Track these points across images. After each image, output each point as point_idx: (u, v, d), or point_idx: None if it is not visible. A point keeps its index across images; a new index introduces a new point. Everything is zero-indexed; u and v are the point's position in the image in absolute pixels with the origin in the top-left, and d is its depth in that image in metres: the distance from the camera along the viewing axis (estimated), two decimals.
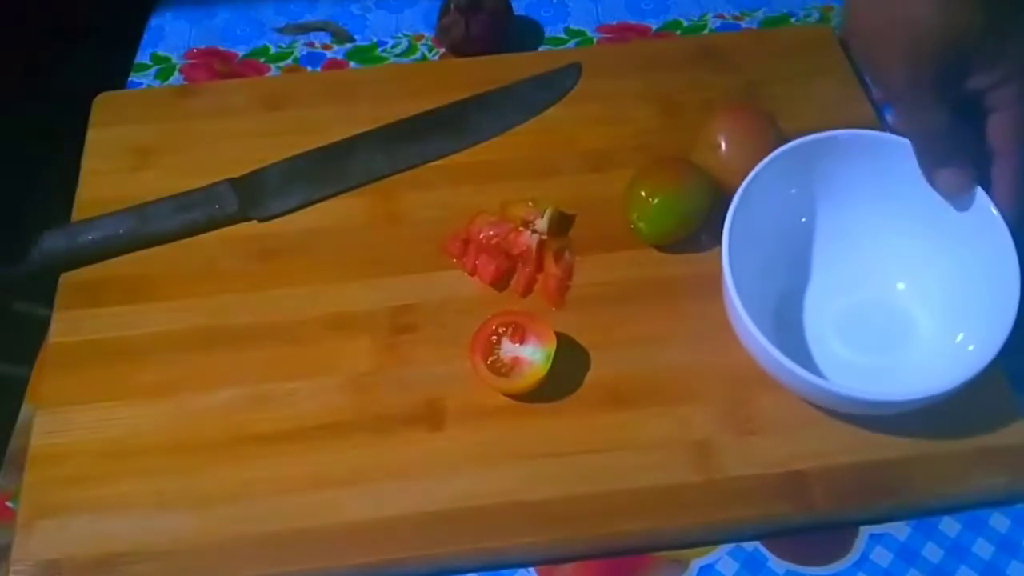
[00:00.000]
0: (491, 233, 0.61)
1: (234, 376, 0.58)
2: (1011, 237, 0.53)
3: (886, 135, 0.57)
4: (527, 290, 0.61)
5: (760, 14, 0.79)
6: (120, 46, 0.78)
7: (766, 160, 0.56)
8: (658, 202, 0.60)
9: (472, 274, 0.61)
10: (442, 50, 0.76)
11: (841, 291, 0.60)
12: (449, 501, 0.53)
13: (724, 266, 0.53)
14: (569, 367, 0.57)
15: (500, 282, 0.61)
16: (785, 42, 0.74)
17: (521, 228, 0.61)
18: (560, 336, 0.57)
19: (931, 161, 0.54)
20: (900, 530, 0.54)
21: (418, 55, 0.77)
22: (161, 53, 0.77)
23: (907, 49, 0.50)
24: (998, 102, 0.52)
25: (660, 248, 0.62)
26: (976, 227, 0.55)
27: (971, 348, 0.53)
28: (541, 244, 0.61)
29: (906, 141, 0.57)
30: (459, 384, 0.57)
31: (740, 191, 0.55)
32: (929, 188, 0.56)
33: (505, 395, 0.56)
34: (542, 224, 0.61)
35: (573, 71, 0.71)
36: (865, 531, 0.54)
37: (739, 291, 0.52)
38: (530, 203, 0.62)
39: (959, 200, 0.55)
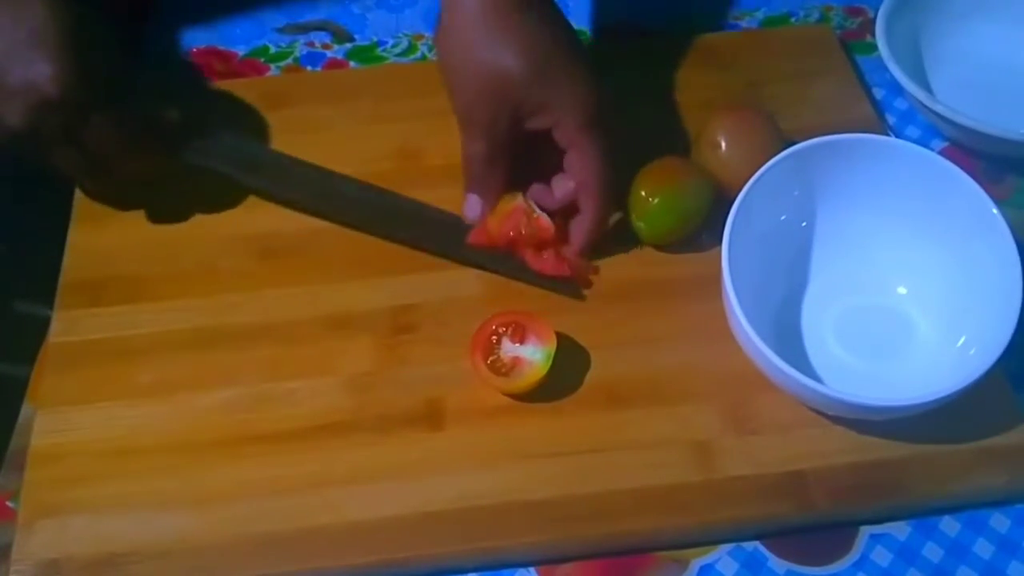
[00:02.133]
0: (519, 228, 0.61)
1: (234, 376, 0.58)
2: (1013, 240, 0.53)
3: (888, 139, 0.58)
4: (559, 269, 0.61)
5: (760, 14, 0.79)
6: (119, 46, 0.78)
7: (768, 164, 0.56)
8: (658, 202, 0.60)
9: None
10: None
11: (841, 295, 0.60)
12: (449, 501, 0.53)
13: (724, 271, 0.53)
14: (569, 367, 0.57)
15: (563, 267, 0.61)
16: (785, 42, 0.74)
17: (536, 214, 0.61)
18: (560, 336, 0.57)
19: (465, 184, 0.61)
20: (900, 530, 0.54)
21: (418, 55, 0.77)
22: (161, 52, 0.77)
23: (466, 87, 0.58)
24: (564, 143, 0.58)
25: (660, 248, 0.62)
26: (977, 230, 0.55)
27: (972, 352, 0.53)
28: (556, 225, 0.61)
29: (907, 144, 0.57)
30: (459, 384, 0.57)
31: (742, 195, 0.55)
32: (930, 192, 0.56)
33: (505, 395, 0.56)
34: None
35: None
36: (865, 531, 0.54)
37: (739, 295, 0.52)
38: (515, 195, 0.61)
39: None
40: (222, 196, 0.65)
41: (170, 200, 0.65)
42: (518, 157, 0.60)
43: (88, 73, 0.56)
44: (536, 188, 0.61)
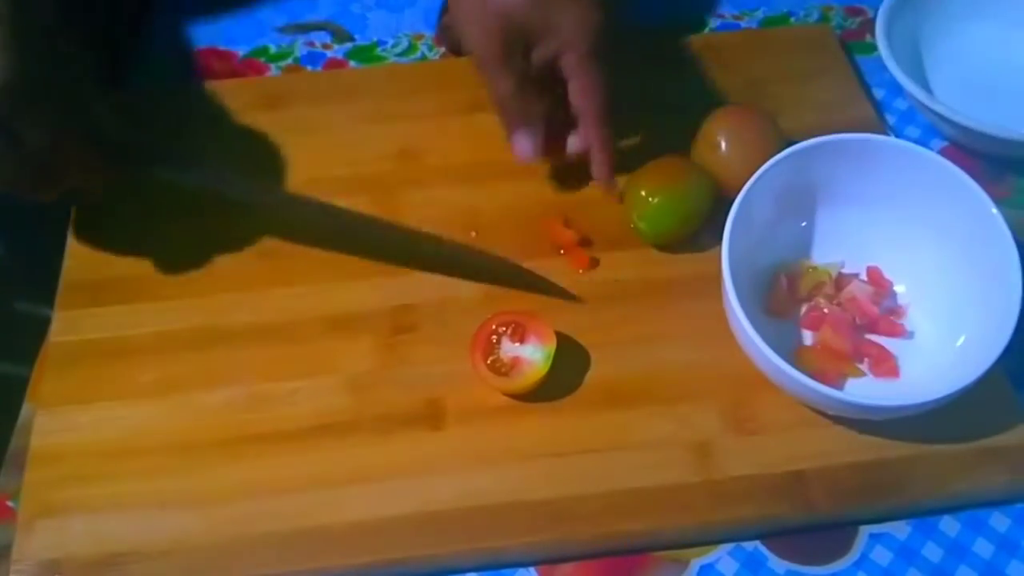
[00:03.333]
0: None
1: (234, 376, 0.58)
2: (1013, 240, 0.53)
3: (888, 139, 0.58)
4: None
5: (760, 14, 0.79)
6: (120, 45, 0.78)
7: (768, 164, 0.56)
8: (658, 202, 0.60)
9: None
10: (442, 50, 0.76)
11: None
12: (449, 501, 0.53)
13: (724, 271, 0.53)
14: (569, 367, 0.57)
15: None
16: (785, 42, 0.74)
17: None
18: (560, 336, 0.57)
19: (504, 125, 0.60)
20: (900, 530, 0.54)
21: (418, 55, 0.77)
22: (161, 52, 0.77)
23: (477, 26, 0.58)
24: (567, 71, 0.58)
25: (660, 248, 0.62)
26: (977, 231, 0.55)
27: (972, 352, 0.53)
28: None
29: (907, 144, 0.57)
30: (459, 384, 0.57)
31: (742, 195, 0.55)
32: (930, 191, 0.56)
33: (505, 395, 0.56)
34: None
35: None
36: (865, 531, 0.54)
37: (739, 295, 0.52)
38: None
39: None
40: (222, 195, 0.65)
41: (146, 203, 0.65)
42: (544, 93, 0.60)
43: (34, 61, 0.52)
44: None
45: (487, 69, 0.59)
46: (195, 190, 0.61)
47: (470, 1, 0.58)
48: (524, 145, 0.60)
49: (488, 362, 0.56)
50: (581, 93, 0.59)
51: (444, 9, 0.74)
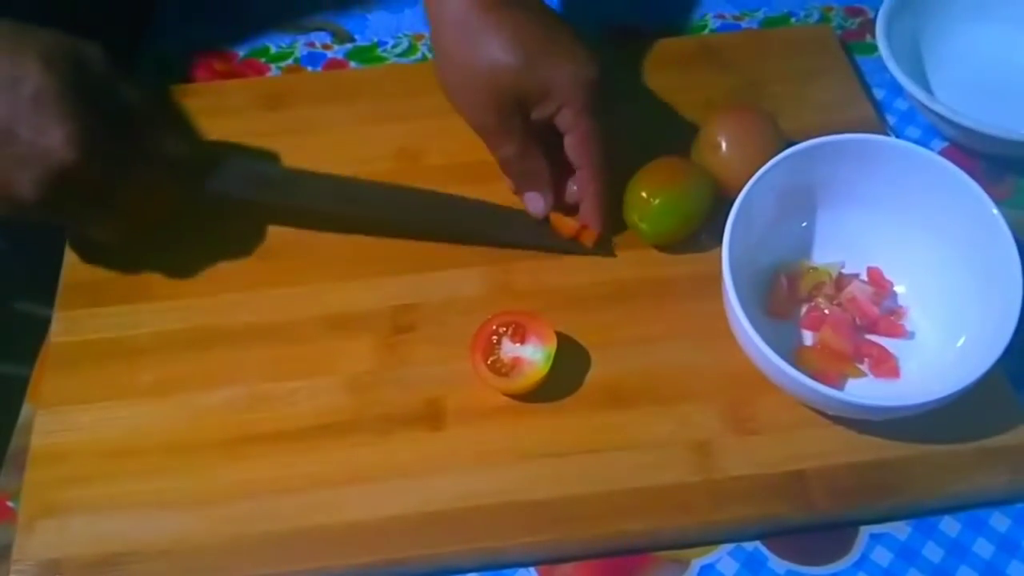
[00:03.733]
0: None
1: (234, 376, 0.58)
2: (1013, 240, 0.53)
3: (888, 139, 0.58)
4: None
5: (760, 14, 0.79)
6: (120, 45, 0.78)
7: (768, 164, 0.56)
8: (659, 202, 0.60)
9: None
10: None
11: None
12: (449, 501, 0.53)
13: (724, 271, 0.53)
14: (569, 367, 0.57)
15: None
16: (785, 42, 0.74)
17: None
18: (560, 336, 0.57)
19: (514, 186, 0.62)
20: (900, 530, 0.54)
21: (418, 55, 0.77)
22: (161, 52, 0.77)
23: (469, 101, 0.59)
24: (564, 126, 0.58)
25: (660, 248, 0.62)
26: (977, 230, 0.55)
27: (972, 352, 0.53)
28: None
29: (907, 144, 0.57)
30: (459, 384, 0.57)
31: (742, 195, 0.55)
32: (930, 192, 0.56)
33: (505, 395, 0.56)
34: None
35: None
36: (865, 531, 0.54)
37: (739, 295, 0.52)
38: None
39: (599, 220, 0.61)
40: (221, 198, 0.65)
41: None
42: (548, 148, 0.60)
43: (101, 125, 0.54)
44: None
45: (487, 139, 0.60)
46: (244, 201, 0.62)
47: (457, 78, 0.58)
48: (536, 204, 0.61)
49: (488, 362, 0.56)
50: (578, 147, 0.59)
51: None
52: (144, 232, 0.60)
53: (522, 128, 0.58)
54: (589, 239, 0.62)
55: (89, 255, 0.63)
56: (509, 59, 0.56)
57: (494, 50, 0.56)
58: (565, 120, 0.58)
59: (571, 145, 0.59)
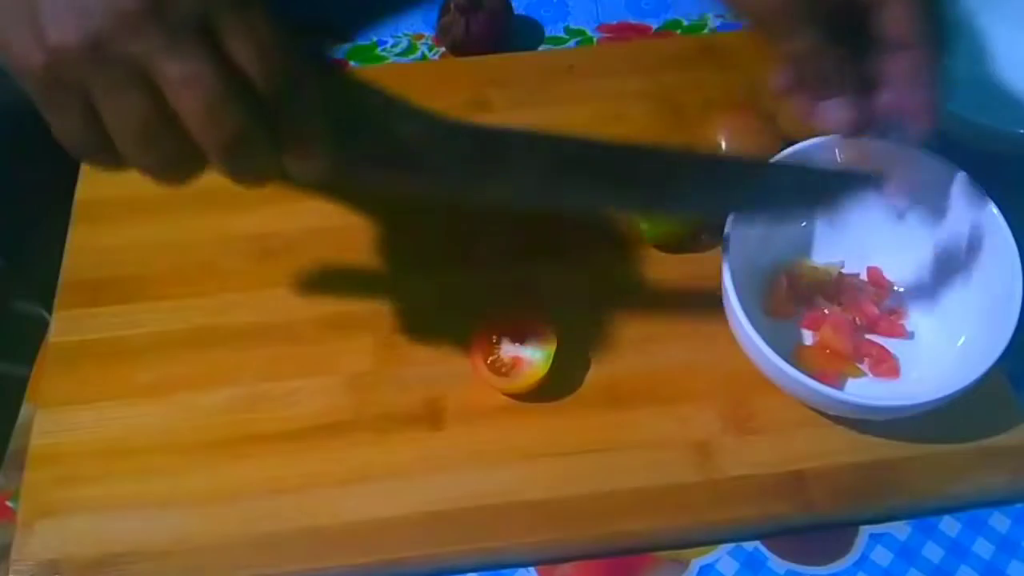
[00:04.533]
0: None
1: (234, 376, 0.58)
2: (1013, 240, 0.53)
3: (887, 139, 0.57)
4: None
5: None
6: None
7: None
8: None
9: None
10: (442, 50, 0.76)
11: None
12: (449, 501, 0.53)
13: (724, 271, 0.53)
14: (569, 367, 0.57)
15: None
16: None
17: None
18: (560, 336, 0.57)
19: (812, 93, 0.48)
20: (900, 530, 0.54)
21: (418, 55, 0.77)
22: None
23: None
24: None
25: (660, 248, 0.62)
26: (977, 230, 0.55)
27: (972, 352, 0.53)
28: None
29: (906, 145, 0.57)
30: (459, 384, 0.57)
31: None
32: (929, 191, 0.56)
33: (505, 395, 0.56)
34: None
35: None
36: (865, 531, 0.54)
37: (739, 295, 0.52)
38: None
39: (858, 151, 0.49)
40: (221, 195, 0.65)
41: None
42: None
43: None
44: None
45: (773, 26, 0.46)
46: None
47: None
48: (842, 115, 0.47)
49: (488, 362, 0.56)
50: (903, 17, 0.45)
51: (444, 9, 0.74)
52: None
53: (818, 9, 0.45)
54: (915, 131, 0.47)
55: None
56: None
57: None
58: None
59: (893, 13, 0.44)
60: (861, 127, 0.48)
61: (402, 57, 0.76)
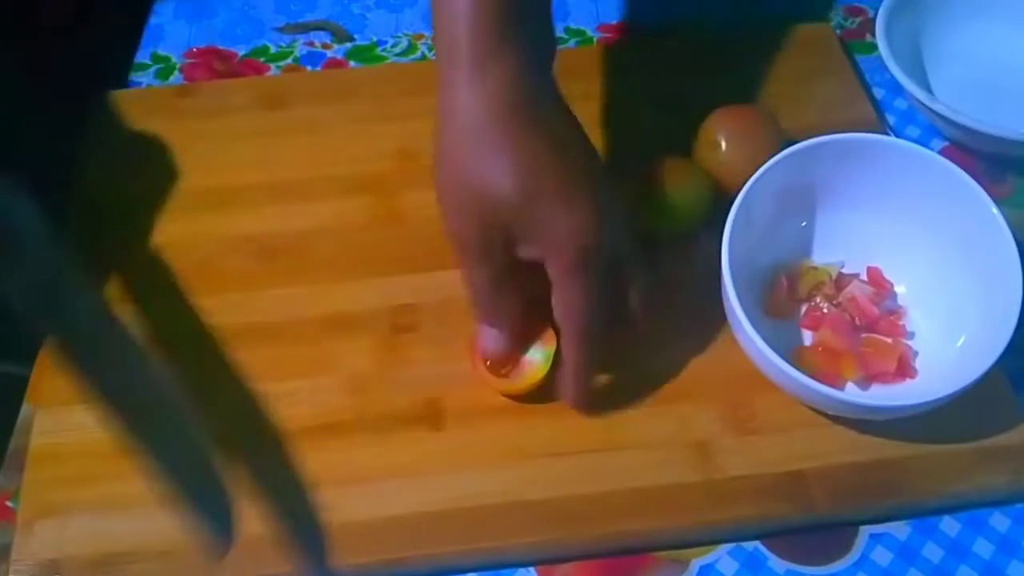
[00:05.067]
0: None
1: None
2: (1013, 240, 0.53)
3: (887, 139, 0.58)
4: None
5: (760, 14, 0.79)
6: (120, 45, 0.78)
7: (768, 164, 0.56)
8: (658, 202, 0.60)
9: None
10: None
11: None
12: (449, 501, 0.53)
13: (724, 271, 0.53)
14: None
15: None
16: (785, 42, 0.74)
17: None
18: (560, 336, 0.57)
19: (476, 314, 0.54)
20: (900, 530, 0.54)
21: (418, 55, 0.77)
22: (161, 52, 0.77)
23: (456, 209, 0.51)
24: (552, 276, 0.51)
25: (660, 247, 0.62)
26: (977, 230, 0.55)
27: (972, 352, 0.53)
28: None
29: (907, 144, 0.57)
30: (459, 384, 0.57)
31: (742, 195, 0.55)
32: (930, 191, 0.56)
33: (505, 395, 0.56)
34: None
35: None
36: (865, 531, 0.54)
37: (739, 295, 0.52)
38: None
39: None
40: (221, 195, 0.65)
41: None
42: (531, 280, 0.52)
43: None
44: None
45: (461, 255, 0.52)
46: None
47: (450, 177, 0.51)
48: (487, 341, 0.55)
49: (488, 363, 0.56)
50: (562, 307, 0.51)
51: None
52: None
53: (502, 257, 0.51)
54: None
55: None
56: (505, 188, 0.48)
57: (492, 172, 0.49)
58: (553, 272, 0.50)
59: (556, 302, 0.51)
60: (501, 356, 0.55)
61: (402, 57, 0.76)
